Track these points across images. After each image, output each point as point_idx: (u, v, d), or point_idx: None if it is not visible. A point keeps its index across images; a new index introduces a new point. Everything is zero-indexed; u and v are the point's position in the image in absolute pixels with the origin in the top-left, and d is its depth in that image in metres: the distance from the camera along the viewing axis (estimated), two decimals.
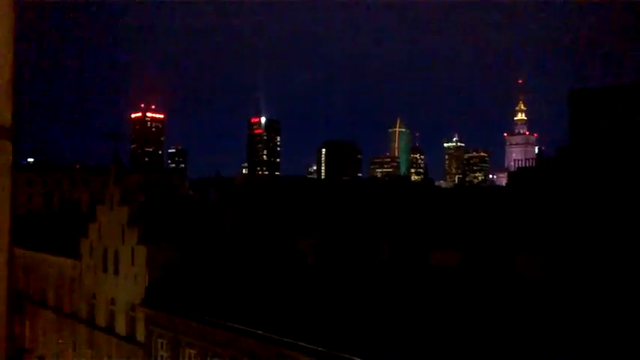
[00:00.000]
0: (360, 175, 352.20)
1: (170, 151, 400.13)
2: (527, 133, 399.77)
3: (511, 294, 21.05)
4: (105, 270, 37.22)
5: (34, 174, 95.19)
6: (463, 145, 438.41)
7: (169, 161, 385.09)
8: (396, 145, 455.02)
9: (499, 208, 41.22)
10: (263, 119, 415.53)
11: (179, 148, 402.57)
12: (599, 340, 17.42)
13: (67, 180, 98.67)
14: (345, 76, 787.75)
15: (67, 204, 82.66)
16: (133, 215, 35.02)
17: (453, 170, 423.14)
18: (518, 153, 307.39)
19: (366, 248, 28.30)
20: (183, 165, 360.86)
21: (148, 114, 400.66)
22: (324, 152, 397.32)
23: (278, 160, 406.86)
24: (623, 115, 37.81)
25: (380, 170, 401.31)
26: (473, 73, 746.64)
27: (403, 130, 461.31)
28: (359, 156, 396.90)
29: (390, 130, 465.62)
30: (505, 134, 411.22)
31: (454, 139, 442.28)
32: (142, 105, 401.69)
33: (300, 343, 22.63)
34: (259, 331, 24.74)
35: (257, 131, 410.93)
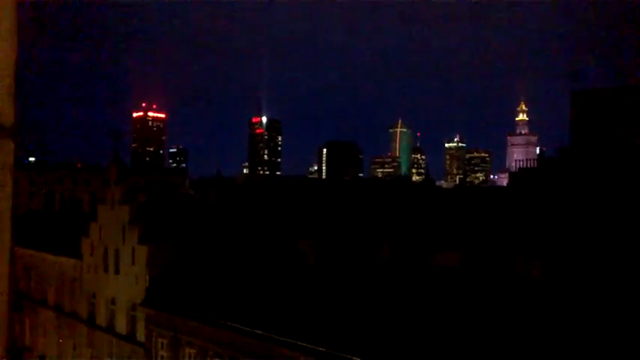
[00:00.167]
0: (361, 175, 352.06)
1: (171, 150, 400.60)
2: (529, 133, 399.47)
3: (512, 295, 21.02)
4: (105, 269, 37.23)
5: (35, 173, 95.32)
6: (464, 145, 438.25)
7: (170, 161, 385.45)
8: (397, 145, 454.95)
9: (500, 209, 41.17)
10: (264, 119, 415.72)
11: (180, 147, 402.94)
12: (602, 341, 17.40)
13: (68, 179, 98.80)
14: (346, 75, 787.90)
15: (68, 203, 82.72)
16: (134, 215, 35.04)
17: (454, 170, 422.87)
18: (520, 153, 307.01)
19: (367, 248, 28.28)
20: (184, 164, 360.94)
21: (150, 113, 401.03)
22: (325, 152, 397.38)
23: (279, 159, 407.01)
24: (625, 116, 37.77)
25: (381, 170, 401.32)
26: (474, 73, 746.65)
27: (404, 130, 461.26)
28: (360, 156, 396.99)
29: (390, 130, 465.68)
30: (507, 135, 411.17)
31: (455, 140, 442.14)
32: (144, 104, 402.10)
33: (301, 343, 22.63)
34: (259, 331, 24.74)
35: (258, 131, 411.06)
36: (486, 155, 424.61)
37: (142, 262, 33.38)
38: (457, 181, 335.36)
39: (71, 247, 40.73)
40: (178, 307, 30.03)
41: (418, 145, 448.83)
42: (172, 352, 29.78)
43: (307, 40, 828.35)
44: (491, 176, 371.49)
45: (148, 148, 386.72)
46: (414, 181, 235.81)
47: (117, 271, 36.02)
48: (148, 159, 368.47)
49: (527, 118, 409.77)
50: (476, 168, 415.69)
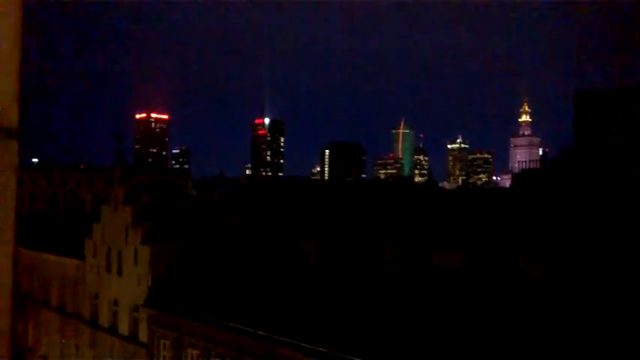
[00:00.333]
0: (363, 176, 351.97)
1: (174, 151, 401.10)
2: (532, 134, 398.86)
3: (515, 295, 20.99)
4: (108, 270, 37.27)
5: (38, 174, 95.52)
6: (467, 146, 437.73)
7: (173, 162, 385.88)
8: (400, 146, 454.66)
9: (503, 210, 41.12)
10: (267, 120, 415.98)
11: (183, 148, 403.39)
12: (603, 341, 17.36)
13: (71, 180, 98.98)
14: (349, 77, 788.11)
15: (71, 204, 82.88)
16: (137, 215, 35.08)
17: (457, 172, 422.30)
18: (523, 154, 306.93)
19: (370, 249, 28.27)
20: (187, 165, 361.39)
21: (153, 114, 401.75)
22: (327, 153, 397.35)
23: (282, 161, 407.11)
24: (627, 116, 37.68)
25: (383, 171, 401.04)
26: (477, 74, 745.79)
27: (407, 131, 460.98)
28: (363, 157, 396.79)
29: (393, 131, 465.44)
30: (510, 136, 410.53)
31: (458, 141, 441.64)
32: (147, 106, 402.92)
33: (303, 344, 22.62)
34: (262, 332, 24.74)
35: (261, 132, 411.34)
36: (489, 156, 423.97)
37: (144, 263, 33.41)
38: (460, 183, 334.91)
39: (74, 247, 40.79)
40: (181, 308, 30.05)
41: (421, 146, 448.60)
42: (175, 352, 29.79)
43: (310, 41, 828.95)
44: (494, 177, 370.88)
45: (151, 149, 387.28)
46: (417, 183, 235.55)
47: (120, 272, 36.06)
48: (150, 160, 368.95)
49: (529, 120, 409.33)
50: (478, 169, 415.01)
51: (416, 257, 26.13)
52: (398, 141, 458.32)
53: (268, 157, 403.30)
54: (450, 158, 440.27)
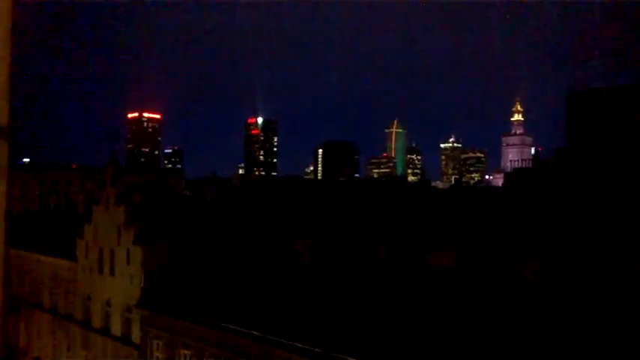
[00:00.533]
0: (357, 175, 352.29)
1: (167, 151, 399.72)
2: (524, 133, 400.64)
3: (508, 294, 21.09)
4: (100, 271, 37.11)
5: (30, 174, 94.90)
6: (460, 145, 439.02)
7: (166, 161, 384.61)
8: (393, 145, 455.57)
9: (495, 209, 41.29)
10: (260, 119, 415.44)
11: (175, 148, 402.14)
12: (597, 340, 17.46)
13: (63, 180, 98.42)
14: (342, 76, 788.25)
15: (63, 204, 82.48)
16: (129, 216, 34.94)
17: (450, 171, 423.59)
18: (515, 154, 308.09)
19: (363, 248, 28.32)
20: (179, 165, 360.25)
21: (145, 114, 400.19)
22: (321, 152, 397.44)
23: (275, 160, 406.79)
24: (620, 116, 37.93)
25: (377, 171, 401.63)
26: (470, 73, 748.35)
27: (400, 130, 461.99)
28: (356, 156, 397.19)
29: (386, 131, 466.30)
30: (502, 135, 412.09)
31: (451, 140, 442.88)
32: (139, 105, 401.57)
33: (297, 344, 22.62)
34: (255, 332, 24.72)
35: (254, 131, 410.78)
36: (482, 155, 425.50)
37: (137, 263, 33.28)
38: (452, 182, 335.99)
39: (66, 248, 40.59)
40: (174, 308, 29.97)
41: (414, 145, 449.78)
42: (168, 353, 29.71)
43: (302, 40, 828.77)
44: (486, 176, 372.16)
45: (144, 149, 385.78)
46: (410, 182, 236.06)
47: (112, 273, 35.91)
48: (143, 160, 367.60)
49: (522, 119, 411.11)
50: (471, 168, 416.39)
51: (409, 256, 26.19)
52: (391, 140, 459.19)
53: (261, 157, 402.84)
54: (443, 157, 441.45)
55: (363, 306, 23.28)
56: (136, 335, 32.83)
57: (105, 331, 36.34)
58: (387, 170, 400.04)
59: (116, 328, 35.24)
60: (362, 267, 26.99)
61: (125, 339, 34.12)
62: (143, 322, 31.89)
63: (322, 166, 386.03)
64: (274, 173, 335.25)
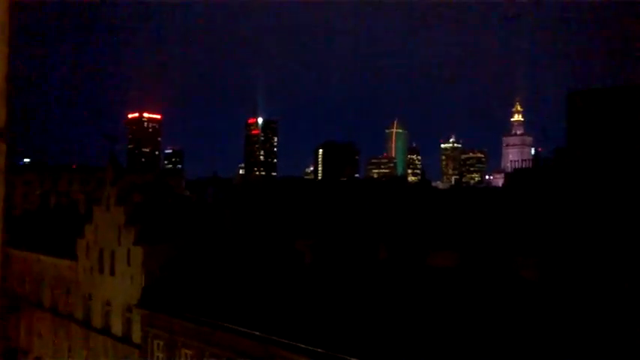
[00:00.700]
0: (357, 175, 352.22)
1: (167, 151, 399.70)
2: (524, 134, 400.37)
3: (508, 294, 21.06)
4: (101, 271, 37.11)
5: (30, 174, 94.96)
6: (460, 145, 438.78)
7: (166, 162, 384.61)
8: (393, 145, 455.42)
9: (496, 209, 41.26)
10: (260, 120, 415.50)
11: (176, 148, 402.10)
12: (598, 341, 17.44)
13: (63, 180, 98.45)
14: (342, 76, 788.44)
15: (63, 204, 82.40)
16: (130, 216, 34.93)
17: (450, 171, 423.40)
18: (515, 154, 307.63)
19: (364, 249, 28.30)
20: (180, 165, 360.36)
21: (145, 114, 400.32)
22: (321, 153, 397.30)
23: (275, 160, 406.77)
24: (620, 116, 37.90)
25: (377, 171, 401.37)
26: (470, 73, 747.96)
27: (400, 130, 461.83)
28: (356, 157, 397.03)
29: (387, 131, 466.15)
30: (502, 135, 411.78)
31: (451, 140, 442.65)
32: (139, 105, 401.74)
33: (298, 344, 22.60)
34: (256, 332, 24.70)
35: (254, 132, 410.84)
36: (482, 156, 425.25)
37: (137, 264, 33.28)
38: (453, 182, 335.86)
39: (67, 248, 40.59)
40: (174, 308, 29.96)
41: (414, 145, 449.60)
42: (168, 353, 29.69)
43: (303, 41, 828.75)
44: (487, 177, 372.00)
45: (144, 149, 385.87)
46: (410, 182, 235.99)
47: (112, 273, 35.91)
48: (143, 160, 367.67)
49: (522, 119, 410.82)
50: (471, 168, 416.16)
51: (410, 257, 26.17)
52: (391, 140, 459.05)
53: (262, 157, 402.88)
54: (443, 157, 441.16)
55: (365, 306, 23.26)
56: (136, 335, 32.82)
57: (105, 330, 36.34)
58: (388, 170, 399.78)
59: (117, 328, 35.23)
60: (362, 267, 26.97)
61: (126, 339, 34.11)
62: (144, 322, 31.88)
63: (322, 167, 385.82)
64: (274, 173, 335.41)
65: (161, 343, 30.40)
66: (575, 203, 32.85)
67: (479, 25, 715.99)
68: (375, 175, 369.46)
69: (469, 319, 20.36)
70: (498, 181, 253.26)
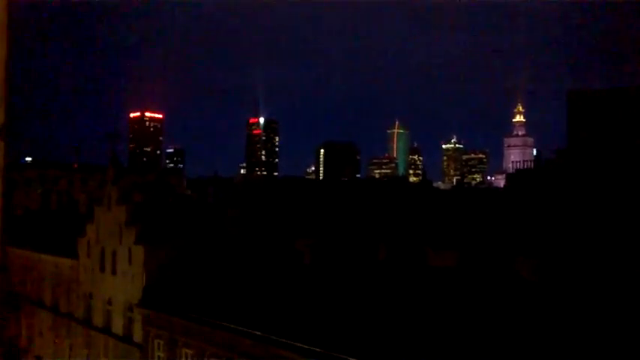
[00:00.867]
0: (358, 175, 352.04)
1: (168, 150, 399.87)
2: (526, 134, 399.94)
3: (509, 294, 21.05)
4: (102, 270, 37.16)
5: (31, 173, 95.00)
6: (461, 146, 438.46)
7: (167, 161, 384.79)
8: (395, 146, 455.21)
9: (497, 210, 41.24)
10: (261, 119, 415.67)
11: (177, 148, 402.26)
12: (599, 341, 17.43)
13: (64, 179, 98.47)
14: (343, 76, 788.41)
15: (64, 203, 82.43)
16: (131, 215, 34.96)
17: (452, 171, 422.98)
18: (517, 155, 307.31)
19: (364, 249, 28.29)
20: (181, 165, 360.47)
21: (147, 114, 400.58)
22: (322, 153, 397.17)
23: (276, 160, 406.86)
24: (621, 117, 37.88)
25: (378, 171, 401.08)
26: (471, 74, 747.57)
27: (402, 131, 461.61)
28: (357, 157, 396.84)
29: (388, 131, 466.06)
30: (504, 136, 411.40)
31: (452, 141, 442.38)
32: (141, 104, 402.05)
33: (298, 344, 22.60)
34: (257, 332, 24.71)
35: (255, 132, 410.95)
36: (483, 156, 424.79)
37: (138, 263, 33.31)
38: (454, 182, 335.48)
39: (68, 247, 40.64)
40: (175, 307, 29.98)
41: (415, 146, 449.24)
42: (169, 352, 29.71)
43: (304, 40, 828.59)
44: (488, 177, 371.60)
45: (145, 149, 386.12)
46: (412, 182, 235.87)
47: (114, 272, 35.94)
48: (145, 159, 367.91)
49: (524, 120, 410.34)
50: (473, 169, 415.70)
51: (411, 257, 26.17)
52: (393, 141, 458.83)
53: (263, 157, 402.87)
54: (445, 158, 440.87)
55: (365, 306, 23.26)
56: (137, 334, 32.86)
57: (106, 330, 36.37)
58: (389, 171, 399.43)
59: (117, 327, 35.26)
60: (363, 267, 26.97)
61: (126, 338, 34.15)
62: (145, 322, 31.91)
63: (324, 167, 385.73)
64: (276, 173, 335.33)
65: (162, 342, 30.42)
66: (576, 204, 32.83)
67: (481, 25, 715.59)
68: (377, 176, 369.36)
69: (469, 319, 20.36)
70: (500, 182, 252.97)
